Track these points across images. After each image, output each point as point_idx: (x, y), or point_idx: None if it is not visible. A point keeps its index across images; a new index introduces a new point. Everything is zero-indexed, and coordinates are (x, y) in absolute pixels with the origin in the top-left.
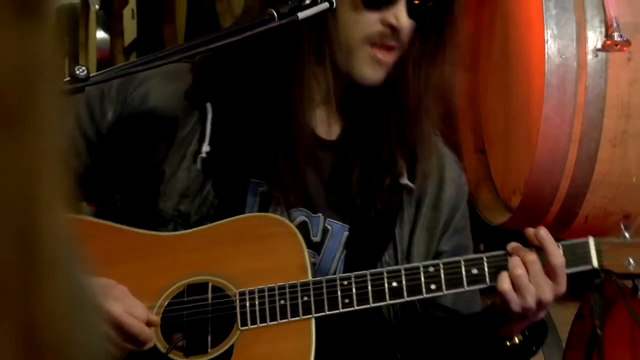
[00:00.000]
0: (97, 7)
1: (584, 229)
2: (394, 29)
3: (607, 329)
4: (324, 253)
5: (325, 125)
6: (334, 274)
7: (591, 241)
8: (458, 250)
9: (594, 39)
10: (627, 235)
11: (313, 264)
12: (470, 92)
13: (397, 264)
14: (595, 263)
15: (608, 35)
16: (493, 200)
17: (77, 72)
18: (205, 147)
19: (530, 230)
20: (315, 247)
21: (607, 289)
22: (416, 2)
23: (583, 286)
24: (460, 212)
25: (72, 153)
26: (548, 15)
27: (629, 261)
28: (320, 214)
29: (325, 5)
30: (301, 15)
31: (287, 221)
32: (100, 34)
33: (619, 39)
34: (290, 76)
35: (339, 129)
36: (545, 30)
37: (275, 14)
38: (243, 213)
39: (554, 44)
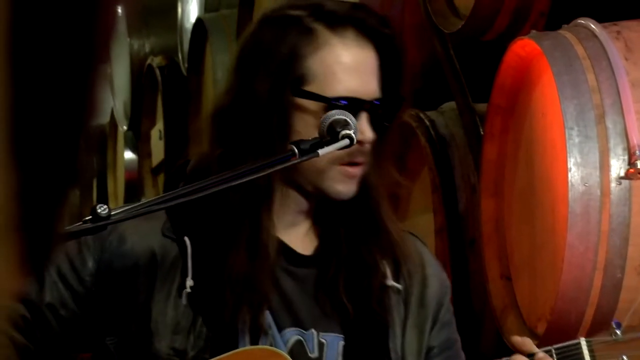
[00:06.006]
0: (125, 127)
1: None
2: (360, 144)
3: None
4: None
5: (302, 242)
6: None
7: (583, 342)
8: (447, 344)
9: (617, 167)
10: (618, 332)
11: None
12: (496, 219)
13: None
14: None
15: (631, 164)
16: (519, 327)
17: (99, 210)
18: (189, 282)
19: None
20: None
21: None
22: (379, 111)
23: None
24: (445, 306)
25: (59, 305)
26: (571, 144)
27: (623, 359)
28: (312, 330)
29: (346, 142)
30: (321, 152)
31: (282, 353)
32: (128, 155)
33: None
34: (261, 205)
35: (317, 243)
36: (569, 159)
37: (296, 150)
38: (237, 341)
39: (577, 172)
